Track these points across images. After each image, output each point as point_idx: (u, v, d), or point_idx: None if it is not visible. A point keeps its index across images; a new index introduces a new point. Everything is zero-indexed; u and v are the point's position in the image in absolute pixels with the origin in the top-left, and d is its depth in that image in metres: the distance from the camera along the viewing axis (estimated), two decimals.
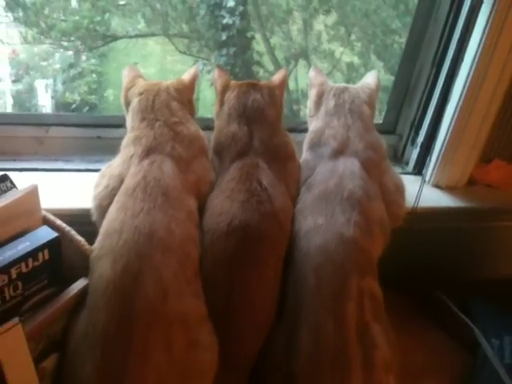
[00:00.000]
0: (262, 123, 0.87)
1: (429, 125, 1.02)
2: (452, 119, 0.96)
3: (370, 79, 0.96)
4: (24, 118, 0.99)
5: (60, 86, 1.36)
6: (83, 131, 1.01)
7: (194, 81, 0.89)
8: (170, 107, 0.84)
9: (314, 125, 0.93)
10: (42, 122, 0.99)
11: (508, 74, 0.92)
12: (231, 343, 0.75)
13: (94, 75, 1.47)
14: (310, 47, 1.73)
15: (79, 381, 0.65)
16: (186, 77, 0.89)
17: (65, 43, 1.36)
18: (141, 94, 0.85)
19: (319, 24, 1.68)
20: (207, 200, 0.82)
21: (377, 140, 0.91)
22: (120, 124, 0.87)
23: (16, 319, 0.61)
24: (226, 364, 0.74)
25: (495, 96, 0.93)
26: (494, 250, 1.07)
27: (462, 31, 0.92)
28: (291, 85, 1.64)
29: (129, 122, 0.85)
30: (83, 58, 1.42)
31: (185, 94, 0.87)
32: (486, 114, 0.95)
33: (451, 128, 0.97)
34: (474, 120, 0.95)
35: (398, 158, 1.11)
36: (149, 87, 0.85)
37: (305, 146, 0.93)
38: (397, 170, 1.02)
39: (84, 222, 0.78)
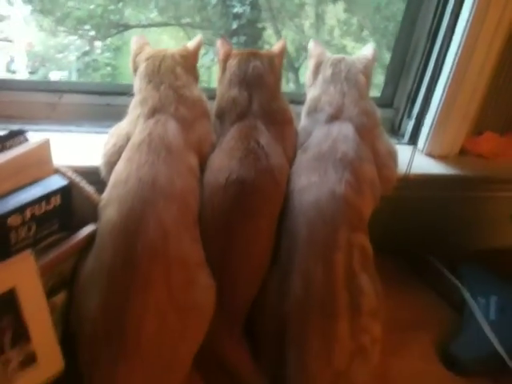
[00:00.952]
0: (261, 89, 0.92)
1: (423, 97, 1.07)
2: (444, 91, 1.01)
3: (366, 51, 1.00)
4: (39, 85, 1.05)
5: (74, 78, 1.42)
6: (94, 98, 1.06)
7: (198, 48, 0.94)
8: (174, 72, 0.89)
9: (311, 93, 0.98)
10: (55, 88, 1.05)
11: (496, 47, 0.96)
12: (228, 288, 0.80)
13: (109, 68, 1.52)
14: (322, 41, 1.76)
15: (86, 313, 0.71)
16: (191, 44, 0.94)
17: (79, 31, 1.41)
18: (148, 59, 0.90)
19: (331, 19, 1.71)
20: (208, 159, 0.87)
21: (371, 107, 0.95)
22: (127, 92, 0.93)
23: (28, 250, 0.67)
24: (223, 307, 0.79)
25: (484, 69, 0.98)
26: (483, 220, 1.11)
27: (454, 3, 0.97)
28: (301, 79, 1.68)
29: (136, 86, 0.90)
30: (98, 51, 1.47)
31: (189, 61, 0.92)
32: (476, 86, 0.99)
33: (443, 100, 1.02)
34: (464, 92, 1.00)
35: (395, 130, 1.15)
36: (155, 53, 0.91)
37: (303, 113, 0.98)
38: (393, 141, 1.07)
39: (93, 180, 0.83)
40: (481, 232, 1.13)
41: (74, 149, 0.95)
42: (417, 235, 1.06)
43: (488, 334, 0.87)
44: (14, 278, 0.65)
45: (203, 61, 1.27)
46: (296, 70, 1.62)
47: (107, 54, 1.51)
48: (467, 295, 0.94)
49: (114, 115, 0.93)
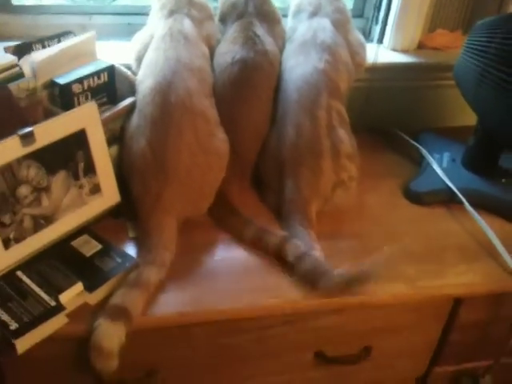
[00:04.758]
0: None
1: (386, 4, 1.30)
2: None
3: None
4: (72, 9, 1.28)
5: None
6: (117, 19, 1.29)
7: None
8: None
9: (295, 0, 1.22)
10: (86, 11, 1.28)
11: None
12: (238, 144, 1.05)
13: None
14: None
15: (136, 153, 0.94)
16: None
17: None
18: None
19: None
20: (216, 50, 1.12)
21: (343, 6, 1.19)
22: (145, 12, 1.15)
23: (92, 102, 0.92)
24: (235, 159, 1.04)
25: None
26: (437, 103, 1.37)
27: None
28: None
29: None
30: None
31: None
32: None
33: (400, 4, 1.26)
34: None
35: (366, 36, 1.38)
36: None
37: (289, 17, 1.22)
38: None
39: None
40: (436, 113, 1.38)
41: (105, 54, 1.18)
42: (386, 117, 1.31)
43: (440, 174, 1.12)
44: (84, 121, 0.89)
45: None
46: None
47: None
48: (424, 152, 1.20)
49: (135, 33, 1.16)
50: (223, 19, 1.17)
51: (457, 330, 1.01)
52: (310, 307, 0.87)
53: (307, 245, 0.93)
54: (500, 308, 0.99)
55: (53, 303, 0.79)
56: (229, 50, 1.07)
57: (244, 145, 1.06)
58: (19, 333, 0.74)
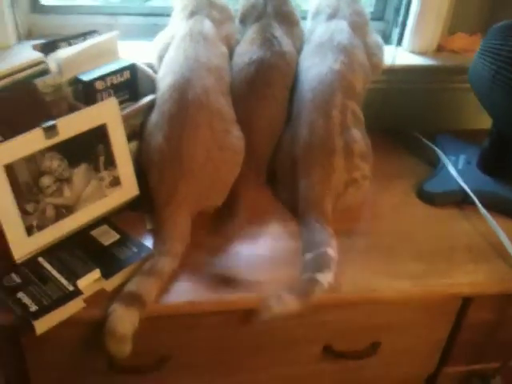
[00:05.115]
0: None
1: (405, 7, 1.32)
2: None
3: None
4: (100, 9, 1.33)
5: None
6: (143, 19, 1.34)
7: None
8: None
9: (314, 2, 1.24)
10: (113, 12, 1.33)
11: None
12: (254, 141, 1.08)
13: None
14: None
15: (154, 147, 0.98)
16: None
17: None
18: None
19: None
20: (235, 50, 1.15)
21: (361, 9, 1.21)
22: (169, 14, 1.19)
23: (113, 98, 0.96)
24: (251, 156, 1.07)
25: None
26: (454, 105, 1.37)
27: None
28: None
29: None
30: None
31: None
32: None
33: (419, 7, 1.28)
34: None
35: (387, 38, 1.40)
36: None
37: (308, 18, 1.24)
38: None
39: None
40: (453, 116, 1.39)
41: (130, 54, 1.22)
42: (403, 118, 1.33)
43: (454, 175, 1.13)
44: (105, 117, 0.93)
45: None
46: None
47: None
48: (440, 153, 1.21)
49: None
50: (243, 20, 1.20)
51: (466, 330, 1.02)
52: (319, 301, 0.89)
53: (324, 241, 0.95)
54: (510, 309, 1.00)
55: (71, 288, 0.83)
56: (247, 50, 1.11)
57: (259, 142, 1.09)
58: (38, 314, 0.79)
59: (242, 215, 1.01)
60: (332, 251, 0.93)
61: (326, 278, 0.88)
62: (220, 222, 1.00)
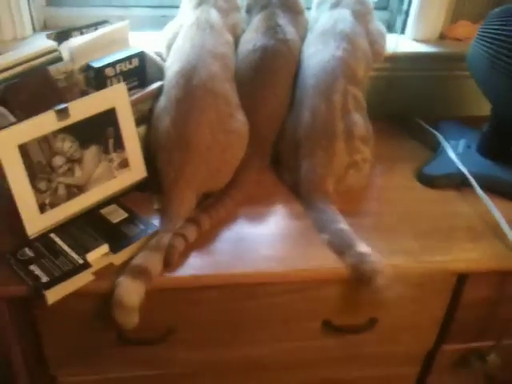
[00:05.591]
0: None
1: None
2: None
3: None
4: (112, 2, 1.38)
5: None
6: (153, 11, 1.39)
7: None
8: None
9: None
10: (124, 4, 1.38)
11: None
12: (258, 125, 1.12)
13: None
14: None
15: (161, 130, 1.03)
16: None
17: None
18: None
19: None
20: (240, 38, 1.19)
21: None
22: (178, 6, 1.24)
23: (122, 83, 1.00)
24: (256, 139, 1.11)
25: None
26: (456, 92, 1.40)
27: None
28: None
29: None
30: None
31: None
32: None
33: None
34: None
35: (391, 27, 1.43)
36: None
37: (313, 7, 1.28)
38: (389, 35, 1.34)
39: None
40: (456, 102, 1.41)
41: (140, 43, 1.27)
42: (406, 105, 1.36)
43: (454, 159, 1.16)
44: (114, 101, 0.97)
45: None
46: None
47: None
48: (440, 137, 1.23)
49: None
50: (249, 10, 1.24)
51: (463, 308, 1.05)
52: (317, 277, 0.93)
53: (332, 219, 1.00)
54: (505, 287, 1.02)
55: (81, 261, 0.88)
56: (251, 38, 1.15)
57: (263, 126, 1.13)
58: (49, 285, 0.84)
59: (234, 196, 1.05)
60: (344, 225, 0.98)
61: (363, 247, 0.93)
62: (210, 200, 1.03)
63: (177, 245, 0.92)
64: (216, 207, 1.01)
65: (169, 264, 0.89)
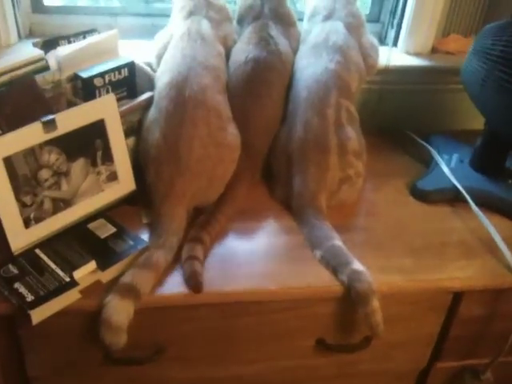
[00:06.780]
0: None
1: (401, 10, 1.34)
2: (414, 2, 1.29)
3: None
4: (100, 10, 1.36)
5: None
6: (142, 20, 1.36)
7: None
8: None
9: (311, 3, 1.26)
10: (112, 12, 1.35)
11: None
12: (250, 139, 1.09)
13: None
14: None
15: (151, 143, 1.00)
16: None
17: None
18: None
19: None
20: (232, 49, 1.17)
21: (357, 11, 1.23)
22: (168, 14, 1.21)
23: (111, 94, 0.98)
24: (247, 154, 1.09)
25: None
26: (448, 106, 1.39)
27: None
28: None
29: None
30: None
31: None
32: None
33: (413, 9, 1.30)
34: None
35: (382, 40, 1.42)
36: None
37: (305, 20, 1.26)
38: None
39: None
40: (448, 116, 1.41)
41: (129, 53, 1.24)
42: (398, 118, 1.35)
43: (447, 173, 1.15)
44: (103, 112, 0.95)
45: None
46: None
47: None
48: (433, 151, 1.22)
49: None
50: (240, 21, 1.22)
51: (457, 325, 1.03)
52: (309, 295, 0.91)
53: (326, 235, 0.98)
54: (500, 304, 1.01)
55: (67, 279, 0.85)
56: (243, 49, 1.13)
57: (255, 139, 1.11)
58: (34, 304, 0.80)
59: (225, 212, 1.02)
60: (338, 242, 0.96)
61: (358, 265, 0.91)
62: (203, 217, 1.01)
63: (198, 269, 0.89)
64: (211, 223, 0.98)
65: (199, 291, 0.87)
